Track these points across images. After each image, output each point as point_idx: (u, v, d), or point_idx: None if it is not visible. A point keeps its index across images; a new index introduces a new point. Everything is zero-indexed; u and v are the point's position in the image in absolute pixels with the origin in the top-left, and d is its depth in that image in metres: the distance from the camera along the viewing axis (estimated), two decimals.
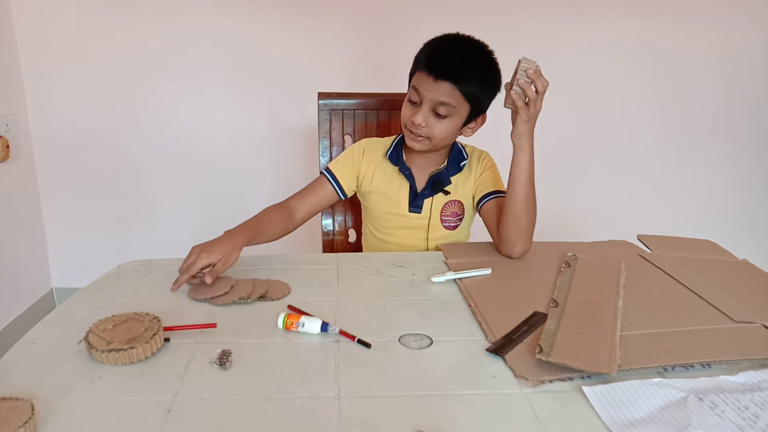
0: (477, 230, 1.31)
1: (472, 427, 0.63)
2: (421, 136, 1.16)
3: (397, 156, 1.26)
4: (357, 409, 0.66)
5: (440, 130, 1.15)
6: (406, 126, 1.18)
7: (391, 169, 1.27)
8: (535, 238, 1.15)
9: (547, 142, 2.25)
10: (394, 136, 1.30)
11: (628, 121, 2.28)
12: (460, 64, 1.12)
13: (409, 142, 1.19)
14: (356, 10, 2.09)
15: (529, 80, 1.04)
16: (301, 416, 0.65)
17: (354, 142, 1.51)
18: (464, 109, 1.15)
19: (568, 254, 1.11)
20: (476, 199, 1.26)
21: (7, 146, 1.97)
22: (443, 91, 1.11)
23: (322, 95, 1.52)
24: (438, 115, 1.14)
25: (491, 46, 1.16)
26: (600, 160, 2.32)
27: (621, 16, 2.15)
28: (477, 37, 1.17)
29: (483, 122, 1.22)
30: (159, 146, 2.21)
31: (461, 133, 1.21)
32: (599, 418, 0.64)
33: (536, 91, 1.05)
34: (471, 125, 1.20)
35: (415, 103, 1.15)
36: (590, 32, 2.16)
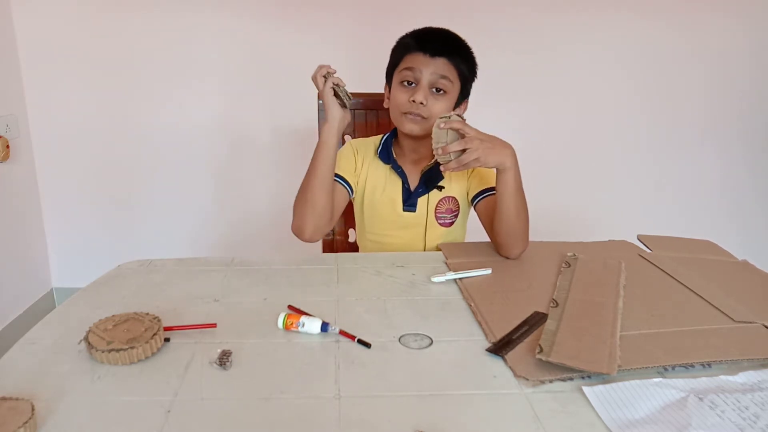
0: (476, 229, 1.30)
1: (472, 427, 0.63)
2: (421, 116, 1.15)
3: (387, 154, 1.25)
4: (357, 409, 0.66)
5: (439, 107, 1.16)
6: (402, 110, 1.17)
7: (382, 168, 1.26)
8: (535, 237, 1.15)
9: (547, 141, 2.27)
10: (381, 136, 1.30)
11: (627, 121, 2.29)
12: (451, 42, 1.17)
13: (407, 126, 1.18)
14: (357, 9, 2.09)
15: (438, 146, 1.04)
16: (301, 416, 0.65)
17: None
18: (457, 87, 1.17)
19: (568, 254, 1.11)
20: (470, 196, 1.25)
21: (7, 146, 1.97)
22: (441, 66, 1.14)
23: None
24: (436, 92, 1.15)
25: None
26: (600, 160, 2.32)
27: (621, 17, 2.15)
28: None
29: (466, 108, 1.24)
30: (159, 146, 2.21)
31: None
32: (599, 418, 0.64)
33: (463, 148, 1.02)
34: (458, 110, 1.21)
35: (410, 84, 1.16)
36: (590, 32, 2.16)
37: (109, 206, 2.27)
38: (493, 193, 1.20)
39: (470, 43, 1.20)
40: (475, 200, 1.24)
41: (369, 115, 1.54)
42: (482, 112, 2.17)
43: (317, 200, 1.12)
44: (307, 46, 2.12)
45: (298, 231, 1.14)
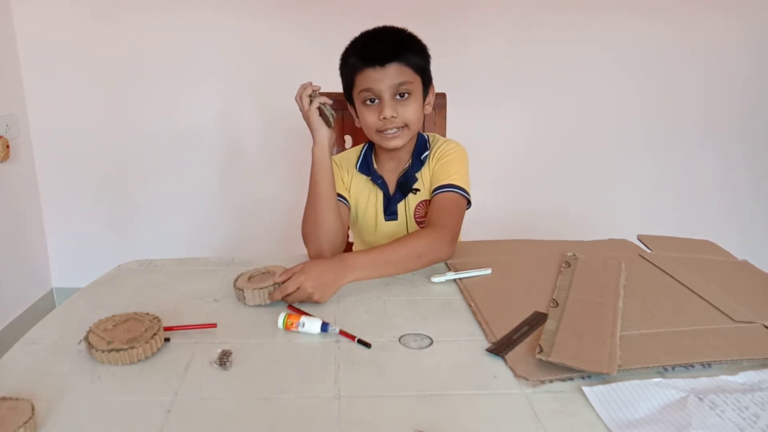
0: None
1: (472, 427, 0.63)
2: (397, 128, 1.13)
3: (367, 166, 1.23)
4: (357, 409, 0.66)
5: (411, 111, 1.13)
6: (377, 129, 1.14)
7: (364, 180, 1.25)
8: (536, 237, 1.15)
9: (546, 141, 2.28)
10: (360, 147, 1.28)
11: (627, 121, 2.28)
12: (395, 43, 1.12)
13: (389, 143, 1.14)
14: (357, 9, 2.09)
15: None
16: (301, 416, 0.65)
17: (354, 142, 1.51)
18: (418, 83, 1.14)
19: (568, 254, 1.11)
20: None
21: (7, 146, 1.97)
22: (395, 73, 1.10)
23: (321, 95, 1.51)
24: (401, 99, 1.12)
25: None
26: (600, 160, 2.32)
27: (621, 17, 2.15)
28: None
29: (434, 93, 1.21)
30: (159, 146, 2.21)
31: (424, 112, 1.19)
32: (599, 418, 0.64)
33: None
34: (426, 100, 1.19)
35: (373, 101, 1.13)
36: (590, 32, 2.16)
37: (109, 206, 2.27)
38: (440, 192, 1.16)
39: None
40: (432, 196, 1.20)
41: None
42: (482, 111, 2.19)
43: (328, 219, 1.09)
44: (307, 46, 2.12)
45: (317, 256, 1.08)
